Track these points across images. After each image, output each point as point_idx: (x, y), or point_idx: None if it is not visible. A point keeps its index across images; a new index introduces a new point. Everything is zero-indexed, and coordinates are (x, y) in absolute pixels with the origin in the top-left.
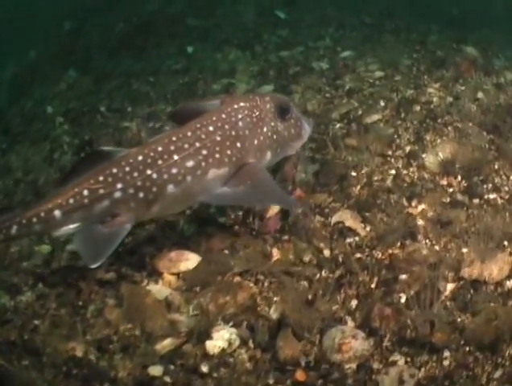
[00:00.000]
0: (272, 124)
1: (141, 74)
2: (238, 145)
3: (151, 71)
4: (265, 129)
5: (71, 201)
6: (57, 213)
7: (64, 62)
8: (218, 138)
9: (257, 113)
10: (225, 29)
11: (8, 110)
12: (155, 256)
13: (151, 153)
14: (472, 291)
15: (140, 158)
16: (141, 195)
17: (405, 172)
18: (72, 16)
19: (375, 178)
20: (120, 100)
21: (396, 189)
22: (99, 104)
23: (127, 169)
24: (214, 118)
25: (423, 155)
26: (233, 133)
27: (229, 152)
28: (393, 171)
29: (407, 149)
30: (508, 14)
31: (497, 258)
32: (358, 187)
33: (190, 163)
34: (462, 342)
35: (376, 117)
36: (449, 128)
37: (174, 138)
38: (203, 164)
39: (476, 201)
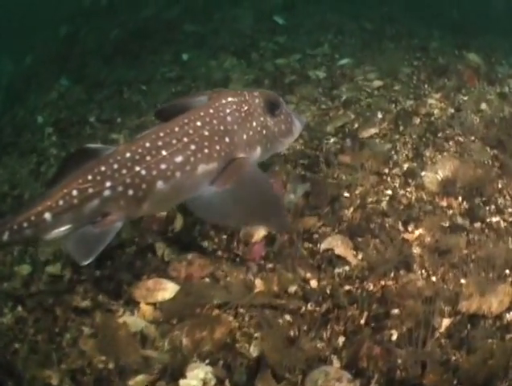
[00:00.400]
0: (261, 119)
1: (133, 82)
2: (227, 140)
3: (144, 79)
4: (254, 124)
5: (60, 202)
6: (47, 216)
7: (59, 68)
8: (206, 133)
9: (245, 108)
10: (222, 35)
11: (1, 119)
12: (133, 284)
13: (139, 150)
14: (469, 326)
15: (128, 154)
16: (130, 192)
17: (402, 192)
18: (69, 21)
19: (369, 199)
20: (110, 110)
21: (392, 212)
22: (89, 114)
23: (115, 166)
24: (202, 113)
25: (422, 173)
26: (222, 127)
27: (217, 147)
28: (389, 191)
29: (405, 166)
30: (509, 14)
31: (498, 290)
32: (351, 210)
33: (179, 159)
34: (455, 383)
35: (373, 130)
36: (450, 142)
37: (161, 134)
38: (192, 159)
39: (477, 225)
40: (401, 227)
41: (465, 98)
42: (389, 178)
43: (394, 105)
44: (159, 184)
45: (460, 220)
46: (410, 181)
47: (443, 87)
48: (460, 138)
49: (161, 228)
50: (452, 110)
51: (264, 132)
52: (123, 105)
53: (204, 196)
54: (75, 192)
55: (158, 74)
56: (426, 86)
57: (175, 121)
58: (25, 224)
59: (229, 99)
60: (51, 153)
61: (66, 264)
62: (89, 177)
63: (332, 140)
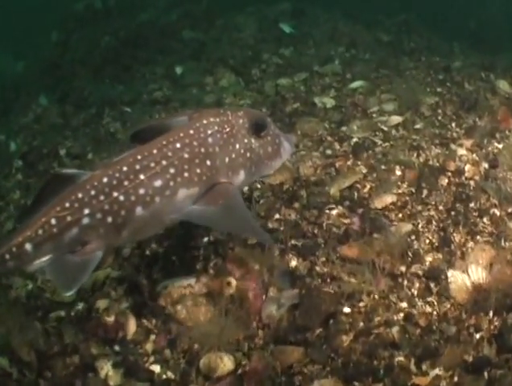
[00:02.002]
0: (245, 140)
1: (117, 102)
2: (208, 163)
3: (129, 99)
4: (237, 146)
5: (40, 232)
6: (28, 246)
7: (47, 80)
8: (186, 156)
9: (228, 129)
10: (223, 44)
11: None
12: None
13: (116, 174)
14: None
15: (105, 179)
16: (109, 219)
17: (420, 306)
18: (61, 26)
19: (377, 318)
20: (83, 141)
21: (404, 342)
22: (61, 145)
23: (93, 193)
24: (181, 134)
25: (449, 273)
26: (203, 150)
27: (198, 170)
28: (404, 304)
29: (428, 260)
30: None
31: None
32: (350, 337)
33: (158, 183)
34: None
35: (389, 199)
36: (484, 219)
37: (139, 157)
38: (171, 183)
39: (506, 356)
40: (413, 367)
41: (500, 146)
42: (405, 282)
43: (415, 155)
44: (138, 210)
45: (486, 349)
46: (432, 286)
47: (473, 128)
48: (496, 211)
49: (109, 335)
50: (486, 165)
51: (248, 154)
52: (98, 136)
53: (188, 211)
54: (53, 221)
55: (146, 93)
56: (453, 125)
57: (154, 142)
58: (7, 256)
59: (211, 119)
60: (12, 198)
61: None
62: (67, 204)
63: (335, 211)
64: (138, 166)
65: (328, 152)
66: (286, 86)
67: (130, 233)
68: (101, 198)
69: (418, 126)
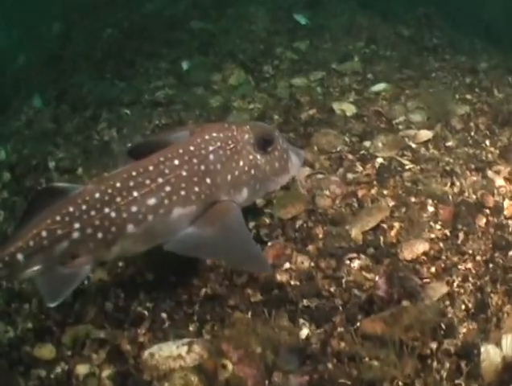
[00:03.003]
0: (250, 157)
1: (115, 103)
2: (208, 181)
3: (129, 99)
4: (241, 163)
5: (31, 243)
6: (20, 256)
7: (46, 76)
8: (184, 173)
9: (232, 145)
10: (233, 36)
11: None
12: None
13: (109, 190)
14: None
15: (97, 195)
16: (99, 235)
17: None
18: (64, 16)
19: None
20: (74, 152)
21: None
22: (51, 155)
23: (84, 207)
24: (181, 151)
25: (482, 348)
26: (203, 167)
27: (196, 189)
28: None
29: (462, 332)
30: None
31: None
32: None
33: (151, 201)
34: None
35: (420, 247)
36: None
37: (134, 173)
38: (166, 202)
39: None
40: None
41: None
42: (435, 363)
43: (449, 183)
44: (130, 228)
45: None
46: (463, 365)
47: (509, 149)
48: None
49: None
50: None
51: (252, 172)
52: (89, 147)
53: (181, 234)
54: (44, 233)
55: (147, 92)
56: (487, 143)
57: (151, 158)
58: (0, 265)
59: (214, 134)
60: None
61: None
62: (58, 218)
63: (357, 263)
64: (132, 183)
65: (349, 176)
66: (301, 87)
67: (120, 249)
68: (92, 213)
69: (449, 143)
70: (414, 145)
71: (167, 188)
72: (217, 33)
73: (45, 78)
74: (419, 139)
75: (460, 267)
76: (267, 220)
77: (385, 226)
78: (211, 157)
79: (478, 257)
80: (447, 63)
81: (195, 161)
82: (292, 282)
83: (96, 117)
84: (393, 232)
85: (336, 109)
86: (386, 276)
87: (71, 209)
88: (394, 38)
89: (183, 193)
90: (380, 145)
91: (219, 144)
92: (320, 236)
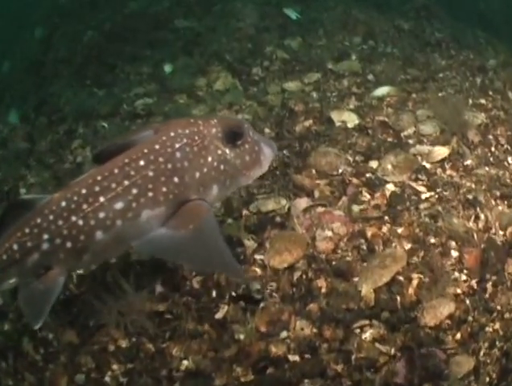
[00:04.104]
0: (219, 152)
1: (93, 116)
2: (176, 180)
3: (108, 110)
4: (209, 159)
5: (4, 257)
6: None
7: (29, 84)
8: (151, 174)
9: (198, 141)
10: (219, 35)
11: None
12: None
13: (75, 197)
14: None
15: (63, 203)
16: (68, 244)
17: None
18: (46, 20)
19: None
20: (46, 176)
21: None
22: (23, 180)
23: (51, 217)
24: (145, 150)
25: None
26: (169, 166)
27: (164, 189)
28: None
29: None
30: None
31: None
32: None
33: (119, 205)
34: None
35: (445, 309)
36: None
37: (99, 177)
38: (134, 205)
39: None
40: None
41: None
42: None
43: (473, 217)
44: (99, 234)
45: None
46: None
47: None
48: None
49: None
50: None
51: (222, 167)
52: (61, 171)
53: (152, 236)
54: (15, 246)
55: (127, 101)
56: (510, 161)
57: (115, 161)
58: None
59: (179, 131)
60: None
61: None
62: (27, 230)
63: (369, 332)
64: (97, 188)
65: (355, 208)
66: (294, 92)
67: (92, 258)
68: (60, 223)
69: (468, 162)
70: (428, 166)
71: (134, 190)
72: (203, 31)
73: (26, 86)
74: (434, 158)
75: (487, 329)
76: (258, 271)
77: (401, 278)
78: (177, 154)
79: (507, 315)
80: (453, 61)
81: (161, 160)
82: (291, 357)
83: (71, 131)
84: (411, 288)
85: (336, 120)
86: (406, 358)
87: (38, 220)
88: (393, 32)
89: (150, 194)
90: (389, 167)
91: (185, 140)
92: (323, 290)
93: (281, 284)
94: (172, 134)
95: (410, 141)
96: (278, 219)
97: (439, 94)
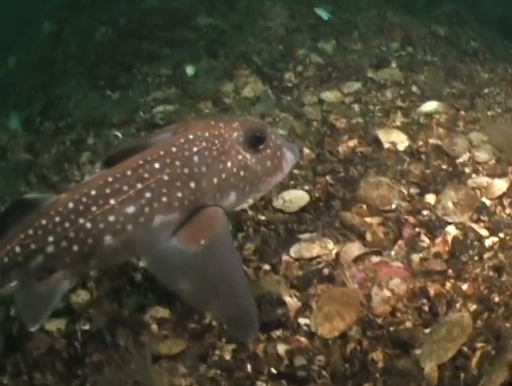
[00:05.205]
0: (239, 157)
1: (105, 124)
2: (192, 185)
3: (122, 118)
4: (229, 165)
5: (5, 260)
6: None
7: (37, 83)
8: (166, 178)
9: (218, 145)
10: (246, 35)
11: None
12: None
13: (83, 199)
14: None
15: (71, 205)
16: (75, 248)
17: None
18: (55, 14)
19: None
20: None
21: None
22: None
23: (57, 219)
24: (162, 153)
25: None
26: (186, 170)
27: (179, 194)
28: None
29: None
30: None
31: None
32: None
33: (130, 209)
34: None
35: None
36: None
37: (110, 179)
38: (146, 209)
39: None
40: None
41: None
42: None
43: None
44: (107, 239)
45: None
46: None
47: None
48: None
49: None
50: None
51: (242, 173)
52: (65, 190)
53: (162, 250)
54: (18, 248)
55: (145, 106)
56: None
57: (128, 162)
58: None
59: (199, 133)
60: None
61: None
62: (30, 231)
63: None
64: (108, 190)
65: (415, 258)
66: (333, 104)
67: (99, 262)
68: (66, 225)
69: None
70: (488, 202)
71: (148, 194)
72: (227, 30)
73: (32, 85)
74: (493, 193)
75: None
76: (303, 340)
77: (466, 349)
78: (195, 158)
79: None
80: (494, 74)
81: (177, 163)
82: None
83: (80, 141)
84: (474, 360)
85: (384, 141)
86: None
87: (43, 222)
88: (430, 38)
89: (164, 199)
90: (450, 204)
91: (204, 144)
92: (380, 364)
93: (331, 358)
94: (191, 137)
95: (467, 170)
96: (325, 270)
97: (488, 113)
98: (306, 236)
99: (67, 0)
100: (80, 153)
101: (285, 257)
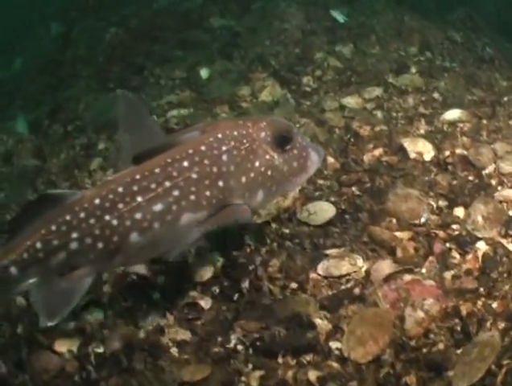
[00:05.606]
0: (267, 157)
1: (117, 127)
2: (220, 184)
3: None
4: (257, 164)
5: (25, 256)
6: (13, 270)
7: (43, 86)
8: (195, 176)
9: (247, 144)
10: (261, 37)
11: None
12: None
13: (110, 196)
14: None
15: (97, 201)
16: (100, 245)
17: None
18: (61, 15)
19: None
20: None
21: None
22: None
23: (82, 215)
24: (191, 151)
25: None
26: (215, 169)
27: (208, 193)
28: None
29: None
30: None
31: None
32: None
33: (158, 207)
34: None
35: None
36: None
37: (138, 176)
38: (174, 208)
39: None
40: None
41: None
42: None
43: None
44: (134, 236)
45: None
46: None
47: None
48: None
49: None
50: None
51: (269, 173)
52: None
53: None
54: (39, 244)
55: (158, 110)
56: None
57: (157, 160)
58: None
59: (227, 132)
60: None
61: None
62: (53, 227)
63: None
64: (135, 187)
65: (446, 275)
66: (355, 110)
67: (123, 260)
68: (92, 221)
69: None
70: None
71: (176, 192)
72: (242, 32)
73: (39, 87)
74: None
75: None
76: (335, 366)
77: (494, 367)
78: (224, 157)
79: None
80: None
81: (206, 162)
82: None
83: (90, 146)
84: (500, 378)
85: (410, 150)
86: None
87: (68, 217)
88: (447, 44)
89: (192, 198)
90: (480, 218)
91: (233, 143)
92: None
93: (365, 384)
94: (220, 136)
95: (493, 182)
96: (356, 290)
97: (510, 122)
98: (333, 251)
99: (74, 1)
100: (90, 158)
101: (312, 275)
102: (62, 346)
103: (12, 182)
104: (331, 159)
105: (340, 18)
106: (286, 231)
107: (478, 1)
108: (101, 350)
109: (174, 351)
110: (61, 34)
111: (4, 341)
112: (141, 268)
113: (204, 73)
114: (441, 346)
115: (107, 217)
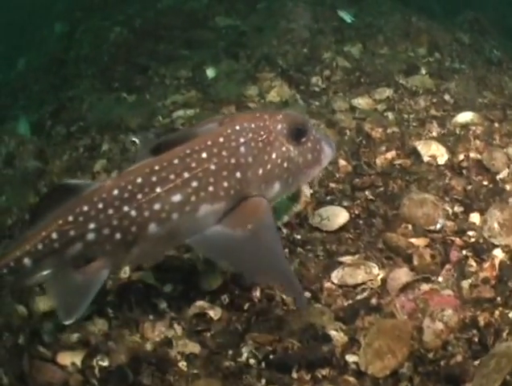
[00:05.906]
0: (283, 149)
1: (121, 128)
2: (238, 175)
3: (139, 122)
4: (274, 156)
5: (40, 247)
6: (27, 261)
7: (47, 86)
8: (213, 167)
9: (264, 136)
10: (268, 36)
11: None
12: None
13: (129, 186)
14: None
15: (115, 192)
16: (118, 236)
17: None
18: (65, 15)
19: None
20: None
21: None
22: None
23: (100, 206)
24: (209, 143)
25: None
26: (233, 160)
27: (226, 184)
28: None
29: None
30: None
31: None
32: None
33: (177, 197)
34: None
35: None
36: None
37: (157, 167)
38: (193, 198)
39: None
40: None
41: None
42: None
43: None
44: (152, 227)
45: None
46: None
47: None
48: None
49: None
50: None
51: (285, 164)
52: None
53: (207, 235)
54: (55, 235)
55: (163, 110)
56: None
57: (175, 151)
58: (5, 270)
59: (245, 125)
60: None
61: None
62: (70, 218)
63: None
64: (154, 178)
65: (464, 284)
66: (366, 111)
67: (141, 252)
68: (110, 212)
69: None
70: None
71: (194, 183)
72: (248, 31)
73: (43, 87)
74: None
75: None
76: (352, 380)
77: (508, 378)
78: (242, 149)
79: None
80: None
81: (224, 153)
82: None
83: (94, 147)
84: None
85: (423, 153)
86: None
87: (85, 208)
88: (456, 45)
89: (211, 189)
90: (496, 225)
91: (250, 135)
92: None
93: None
94: (238, 128)
95: (508, 188)
96: (373, 300)
97: None
98: (348, 258)
99: (78, 1)
100: (94, 160)
101: (327, 284)
102: (65, 359)
103: (14, 184)
104: (343, 162)
105: (348, 18)
106: (298, 237)
107: (482, 5)
108: (105, 363)
109: (182, 364)
110: (65, 34)
111: (5, 352)
112: (147, 277)
113: (210, 73)
114: (459, 358)
115: (125, 208)
